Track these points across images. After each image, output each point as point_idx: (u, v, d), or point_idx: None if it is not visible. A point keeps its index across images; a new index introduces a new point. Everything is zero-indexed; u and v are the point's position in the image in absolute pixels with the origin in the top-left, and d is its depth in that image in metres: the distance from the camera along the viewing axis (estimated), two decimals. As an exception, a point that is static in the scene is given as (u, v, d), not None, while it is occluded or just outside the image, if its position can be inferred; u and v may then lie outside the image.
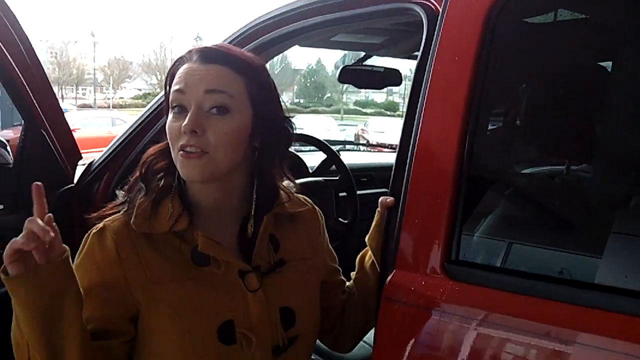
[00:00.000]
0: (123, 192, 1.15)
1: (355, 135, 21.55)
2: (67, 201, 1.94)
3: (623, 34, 1.24)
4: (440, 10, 1.23)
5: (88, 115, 16.09)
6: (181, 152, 1.05)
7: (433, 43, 1.22)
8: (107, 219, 1.10)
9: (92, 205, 2.04)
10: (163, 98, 1.75)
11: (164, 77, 1.20)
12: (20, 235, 0.91)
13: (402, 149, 1.23)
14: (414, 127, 1.21)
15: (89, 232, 1.10)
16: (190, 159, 1.04)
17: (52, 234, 0.93)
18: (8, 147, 1.84)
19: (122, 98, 43.05)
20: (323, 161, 2.36)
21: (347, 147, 3.37)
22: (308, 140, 2.40)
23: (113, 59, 49.31)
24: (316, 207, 1.29)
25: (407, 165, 1.20)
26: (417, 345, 1.13)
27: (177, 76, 1.08)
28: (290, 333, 1.13)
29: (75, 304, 1.00)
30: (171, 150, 1.08)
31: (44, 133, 1.81)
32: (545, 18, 1.36)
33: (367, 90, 45.78)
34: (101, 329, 1.05)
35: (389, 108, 41.90)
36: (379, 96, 45.52)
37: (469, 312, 1.08)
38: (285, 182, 1.22)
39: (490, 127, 1.34)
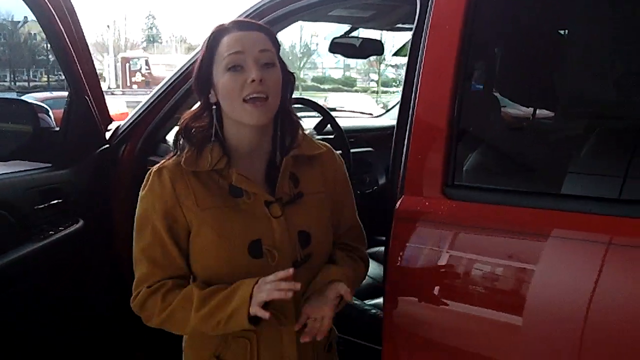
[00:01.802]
0: (170, 145, 1.41)
1: (315, 110, 21.55)
2: (104, 160, 2.18)
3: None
4: None
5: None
6: (247, 102, 1.29)
7: (427, 14, 1.52)
8: (160, 163, 1.37)
9: (119, 165, 2.29)
10: (185, 69, 2.03)
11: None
12: (273, 287, 1.21)
13: (404, 104, 1.53)
14: (414, 85, 1.51)
15: (149, 171, 1.36)
16: (257, 107, 1.29)
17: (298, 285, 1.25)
18: (50, 113, 2.03)
19: (75, 79, 41.72)
20: (320, 122, 2.61)
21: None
22: (306, 103, 2.65)
23: (65, 39, 47.69)
24: (333, 149, 1.53)
25: (410, 115, 1.51)
26: (423, 253, 1.46)
27: (226, 43, 1.31)
28: (306, 251, 1.38)
29: None
30: (228, 104, 1.32)
31: (87, 99, 2.02)
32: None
33: (324, 66, 45.55)
34: (175, 245, 1.33)
35: (347, 84, 41.51)
36: (336, 72, 45.20)
37: (464, 222, 1.42)
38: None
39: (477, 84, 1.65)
